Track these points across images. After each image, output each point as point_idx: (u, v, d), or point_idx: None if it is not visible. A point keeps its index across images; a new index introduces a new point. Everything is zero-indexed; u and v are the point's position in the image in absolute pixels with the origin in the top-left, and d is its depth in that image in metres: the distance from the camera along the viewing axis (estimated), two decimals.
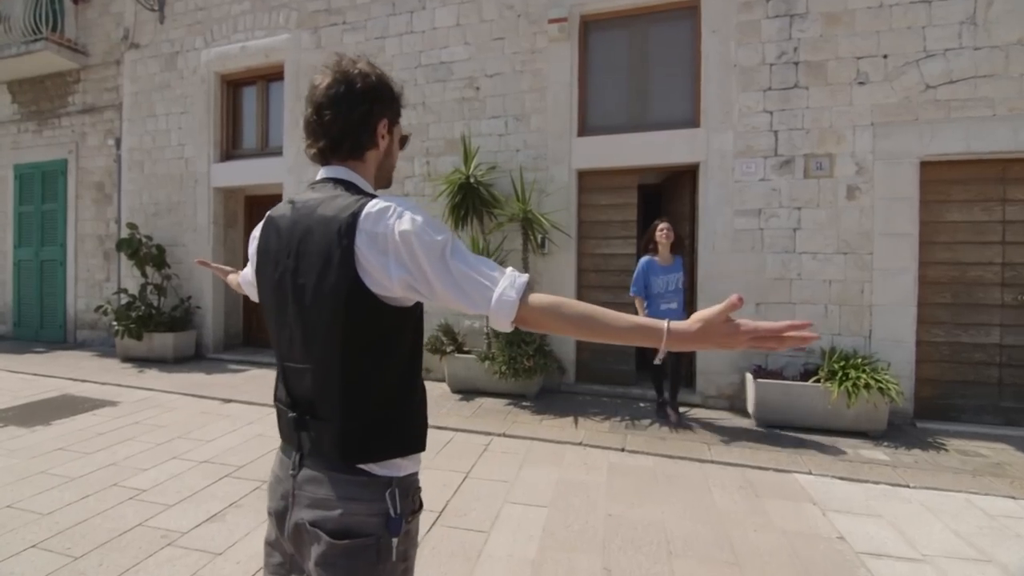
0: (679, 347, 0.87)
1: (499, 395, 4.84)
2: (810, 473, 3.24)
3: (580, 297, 5.00)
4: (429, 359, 5.23)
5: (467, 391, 4.97)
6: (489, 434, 3.90)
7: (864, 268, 4.32)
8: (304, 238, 0.98)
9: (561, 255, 5.04)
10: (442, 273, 0.90)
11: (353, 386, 0.96)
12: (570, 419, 4.23)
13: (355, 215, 0.92)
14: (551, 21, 4.94)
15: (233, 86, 6.74)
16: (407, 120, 5.47)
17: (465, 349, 5.13)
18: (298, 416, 1.01)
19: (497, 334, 4.84)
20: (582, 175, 5.11)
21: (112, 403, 4.67)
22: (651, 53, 4.98)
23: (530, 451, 3.60)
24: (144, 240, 6.52)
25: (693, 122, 4.81)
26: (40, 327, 7.85)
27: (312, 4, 5.99)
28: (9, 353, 6.85)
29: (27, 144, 7.94)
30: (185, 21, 6.69)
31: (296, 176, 6.10)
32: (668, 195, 5.49)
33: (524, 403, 4.66)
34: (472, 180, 4.89)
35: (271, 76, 6.47)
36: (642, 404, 4.66)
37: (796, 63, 4.49)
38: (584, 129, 5.09)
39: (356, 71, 1.01)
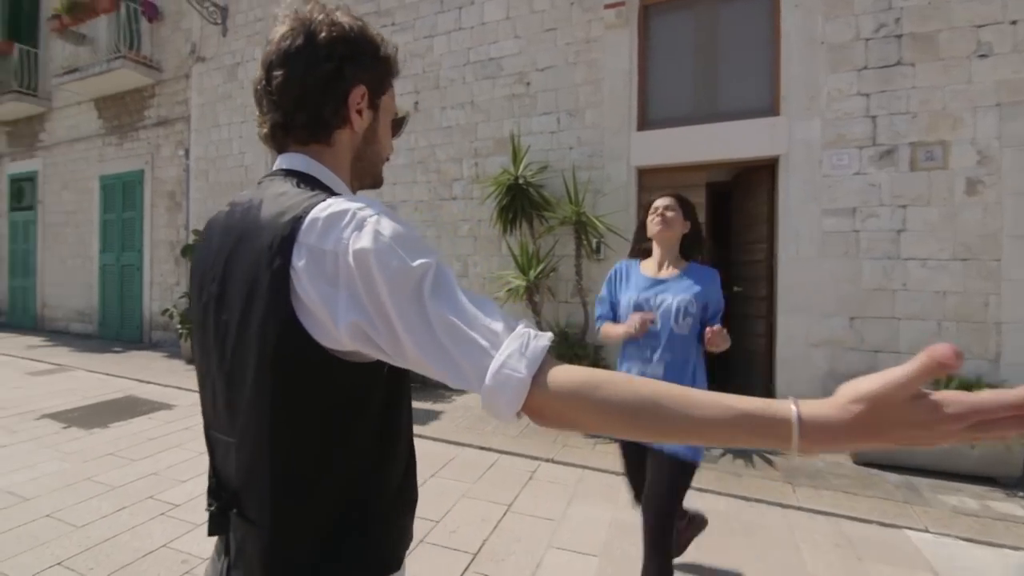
0: (824, 448, 0.48)
1: None
2: (926, 531, 2.64)
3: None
4: None
5: None
6: (536, 459, 3.55)
7: (989, 277, 3.59)
8: (232, 254, 0.68)
9: (619, 261, 4.60)
10: (415, 321, 0.57)
11: (288, 477, 0.65)
12: None
13: (296, 221, 0.62)
14: (607, 7, 4.54)
15: None
16: (455, 120, 5.27)
17: None
18: (219, 509, 0.71)
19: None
20: (642, 173, 4.67)
21: (168, 406, 4.75)
22: (720, 35, 4.45)
23: (581, 482, 3.21)
24: None
25: (771, 110, 4.24)
26: (120, 327, 8.36)
27: (362, 7, 5.91)
28: (91, 352, 7.30)
29: (110, 156, 8.49)
30: (245, 32, 6.86)
31: None
32: (741, 193, 4.92)
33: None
34: (521, 181, 4.57)
35: None
36: None
37: (899, 36, 3.83)
38: (644, 122, 4.64)
39: (321, 18, 0.71)
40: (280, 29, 0.72)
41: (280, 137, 0.75)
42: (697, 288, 1.84)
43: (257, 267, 0.63)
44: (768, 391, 4.24)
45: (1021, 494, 3.03)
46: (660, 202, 1.96)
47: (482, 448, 3.72)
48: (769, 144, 4.18)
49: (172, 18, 7.71)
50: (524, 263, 4.53)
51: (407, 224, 0.63)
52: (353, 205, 0.62)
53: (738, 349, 4.77)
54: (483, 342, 0.56)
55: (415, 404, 4.67)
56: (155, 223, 8.01)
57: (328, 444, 0.65)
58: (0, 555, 2.35)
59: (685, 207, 1.97)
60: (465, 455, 3.65)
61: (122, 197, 8.36)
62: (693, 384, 1.80)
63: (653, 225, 1.94)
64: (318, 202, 0.63)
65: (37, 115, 9.45)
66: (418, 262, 0.58)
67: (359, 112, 0.75)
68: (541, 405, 0.55)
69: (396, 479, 0.74)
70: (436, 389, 5.38)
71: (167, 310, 6.89)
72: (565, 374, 0.56)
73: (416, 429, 4.04)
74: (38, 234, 9.49)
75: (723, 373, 4.97)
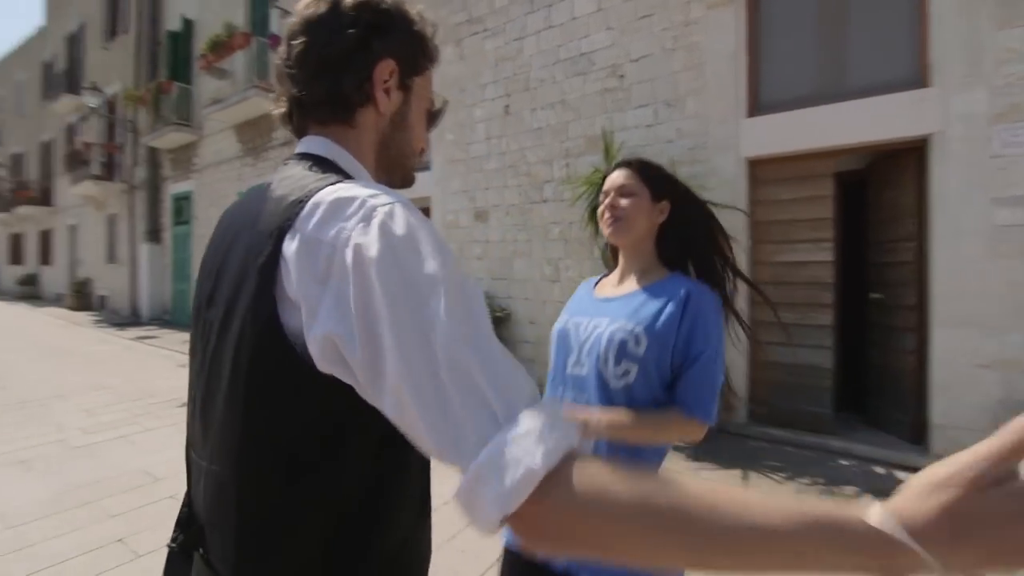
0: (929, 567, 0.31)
1: None
2: None
3: (756, 318, 4.05)
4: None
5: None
6: None
7: None
8: (231, 246, 0.60)
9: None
10: (411, 347, 0.44)
11: (257, 521, 0.53)
12: (737, 472, 3.36)
13: (296, 204, 0.52)
14: None
15: None
16: (545, 120, 5.12)
17: None
18: (182, 546, 0.61)
19: None
20: (754, 164, 4.14)
21: None
22: None
23: None
24: None
25: (917, 81, 3.52)
26: None
27: (455, 17, 6.00)
28: None
29: (247, 176, 9.57)
30: None
31: (442, 188, 6.17)
32: (878, 183, 4.16)
33: (678, 443, 3.88)
34: None
35: None
36: (844, 462, 3.51)
37: None
38: (756, 107, 4.12)
39: None
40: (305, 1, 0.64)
41: (298, 117, 0.67)
42: (655, 314, 1.04)
43: (248, 258, 0.54)
44: (919, 420, 3.52)
45: None
46: (611, 179, 1.17)
47: None
48: (916, 122, 3.47)
49: None
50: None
51: (427, 222, 0.51)
52: (365, 192, 0.52)
53: (877, 366, 4.05)
54: (495, 403, 0.42)
55: None
56: None
57: (309, 484, 0.52)
58: (128, 530, 2.61)
59: (655, 181, 1.15)
60: None
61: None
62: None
63: (603, 225, 1.17)
64: (325, 185, 0.54)
65: (191, 143, 10.96)
66: (433, 270, 0.46)
67: (386, 90, 0.65)
68: (542, 514, 0.40)
69: (398, 536, 0.59)
70: None
71: None
72: (590, 476, 0.40)
73: None
74: (193, 245, 10.98)
75: (855, 395, 4.26)
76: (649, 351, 1.02)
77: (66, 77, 16.38)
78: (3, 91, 21.54)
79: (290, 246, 0.50)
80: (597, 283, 1.29)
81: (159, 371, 6.55)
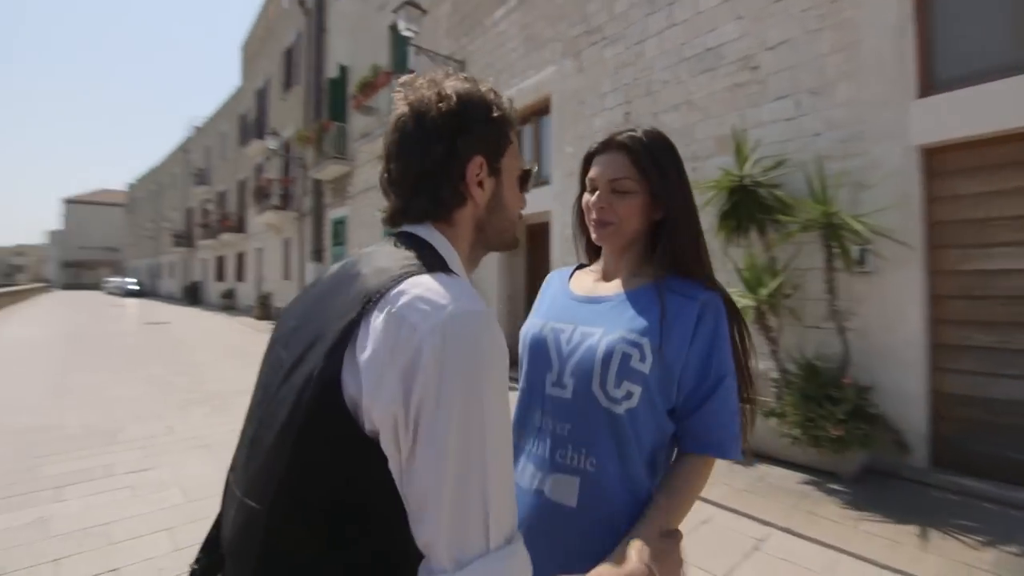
0: None
1: (794, 466, 3.61)
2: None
3: (938, 340, 3.36)
4: None
5: (748, 453, 3.90)
6: (767, 524, 2.85)
7: None
8: (322, 297, 0.66)
9: (895, 274, 3.45)
10: (446, 433, 0.50)
11: (276, 563, 0.55)
12: (912, 529, 2.74)
13: (393, 281, 0.57)
14: None
15: None
16: (669, 123, 4.82)
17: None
18: (202, 570, 0.65)
19: (788, 382, 3.64)
20: (930, 153, 3.43)
21: None
22: None
23: (831, 572, 2.42)
24: None
25: None
26: None
27: (574, 30, 5.98)
28: None
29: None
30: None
31: (561, 202, 6.15)
32: None
33: (833, 485, 3.31)
34: (747, 181, 3.87)
35: (541, 111, 6.77)
36: None
37: None
38: (930, 85, 3.41)
39: (431, 95, 0.67)
40: (396, 113, 0.70)
41: (398, 221, 0.72)
42: (661, 324, 0.84)
43: (333, 315, 0.58)
44: None
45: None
46: (601, 167, 0.93)
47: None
48: None
49: None
50: (752, 279, 3.79)
51: (497, 340, 0.55)
52: (458, 290, 0.56)
53: None
54: (490, 520, 0.51)
55: None
56: None
57: (337, 540, 0.54)
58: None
59: (652, 169, 0.90)
60: None
61: None
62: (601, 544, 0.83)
63: (591, 227, 0.96)
64: (422, 271, 0.59)
65: (346, 173, 12.41)
66: (481, 366, 0.52)
67: (480, 183, 0.70)
68: None
69: None
70: None
71: None
72: None
73: None
74: None
75: None
76: (654, 369, 0.83)
77: (255, 125, 19.86)
78: (211, 141, 26.88)
79: (376, 316, 0.54)
80: (572, 275, 1.08)
81: None
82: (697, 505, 3.03)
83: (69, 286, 53.65)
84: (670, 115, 4.88)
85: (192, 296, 27.40)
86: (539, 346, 0.94)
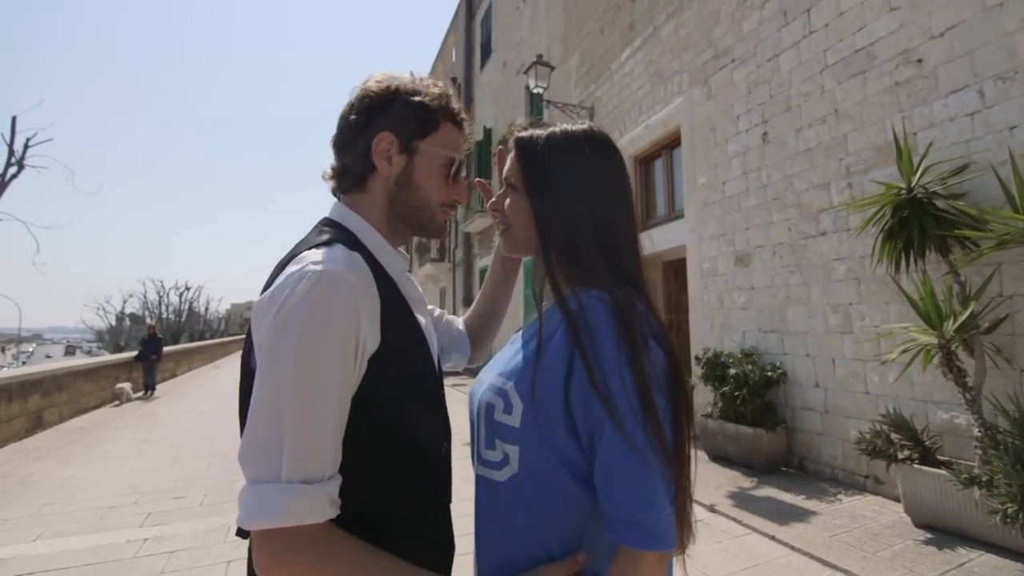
0: None
1: (1009, 552, 2.72)
2: None
3: None
4: (873, 465, 3.63)
5: (940, 530, 3.05)
6: None
7: None
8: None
9: None
10: (264, 370, 0.61)
11: None
12: None
13: (281, 265, 0.70)
14: None
15: (644, 163, 7.22)
16: (815, 139, 4.31)
17: (937, 457, 3.24)
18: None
19: (997, 441, 2.80)
20: None
21: None
22: None
23: None
24: None
25: None
26: None
27: (700, 58, 5.75)
28: None
29: None
30: (606, 121, 7.78)
31: (697, 234, 5.78)
32: None
33: None
34: (919, 192, 3.21)
35: (672, 144, 6.55)
36: None
37: None
38: None
39: (370, 82, 0.80)
40: None
41: (334, 189, 0.84)
42: (530, 358, 0.66)
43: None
44: None
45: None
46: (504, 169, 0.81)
47: None
48: None
49: None
50: (929, 310, 3.07)
51: (343, 293, 0.62)
52: (329, 258, 0.65)
53: None
54: (284, 455, 0.58)
55: (777, 493, 3.74)
56: None
57: None
58: None
59: (530, 167, 0.75)
60: None
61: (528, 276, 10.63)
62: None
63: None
64: (307, 248, 0.68)
65: (491, 226, 13.32)
66: (289, 338, 0.59)
67: (388, 158, 0.77)
68: (261, 550, 0.58)
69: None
70: (815, 480, 4.18)
71: None
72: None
73: (772, 528, 3.21)
74: None
75: None
76: (527, 421, 0.63)
77: None
78: None
79: (260, 302, 0.65)
80: None
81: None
82: None
83: None
84: (815, 129, 4.34)
85: None
86: (469, 408, 0.80)
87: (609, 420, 0.58)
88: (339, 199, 0.83)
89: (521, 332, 0.78)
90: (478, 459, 0.72)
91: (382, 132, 0.76)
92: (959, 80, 3.32)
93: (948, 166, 3.29)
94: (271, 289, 0.64)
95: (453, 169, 0.82)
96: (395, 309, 0.72)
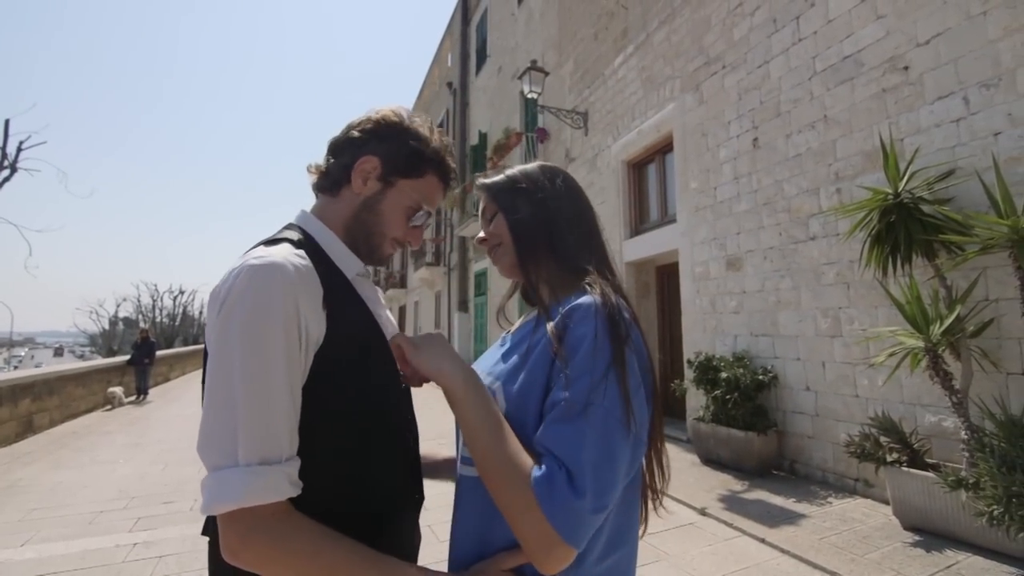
0: None
1: (995, 554, 2.75)
2: None
3: None
4: (863, 468, 3.65)
5: (929, 532, 3.07)
6: None
7: None
8: None
9: None
10: (212, 361, 0.64)
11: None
12: None
13: (247, 252, 0.73)
14: None
15: (636, 168, 7.26)
16: (804, 144, 4.37)
17: (926, 460, 3.26)
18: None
19: (983, 444, 2.83)
20: None
21: None
22: None
23: None
24: None
25: None
26: None
27: (692, 64, 5.81)
28: None
29: None
30: (599, 126, 7.82)
31: (689, 239, 5.81)
32: None
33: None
34: (905, 197, 3.26)
35: (665, 149, 6.60)
36: None
37: None
38: None
39: (388, 111, 0.87)
40: None
41: (313, 185, 0.88)
42: (521, 359, 0.71)
43: None
44: None
45: None
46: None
47: None
48: None
49: (555, 134, 9.63)
50: (915, 314, 3.11)
51: (268, 285, 0.64)
52: (259, 253, 0.68)
53: None
54: (239, 440, 0.60)
55: (767, 496, 3.75)
56: None
57: None
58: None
59: (503, 199, 0.86)
60: None
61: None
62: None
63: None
64: (258, 245, 0.74)
65: None
66: (236, 325, 0.63)
67: (364, 179, 0.83)
68: (226, 532, 0.60)
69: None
70: (806, 483, 4.21)
71: None
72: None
73: (762, 531, 3.22)
74: (488, 312, 13.10)
75: None
76: (512, 421, 0.66)
77: None
78: None
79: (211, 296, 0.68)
80: None
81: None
82: None
83: None
84: (805, 134, 4.39)
85: None
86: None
87: (575, 389, 0.61)
88: (316, 196, 0.89)
89: (511, 334, 0.85)
90: (461, 460, 0.76)
91: (371, 156, 0.82)
92: (944, 87, 3.38)
93: (934, 171, 3.34)
94: (215, 286, 0.67)
95: (418, 216, 0.87)
96: (341, 298, 0.74)
